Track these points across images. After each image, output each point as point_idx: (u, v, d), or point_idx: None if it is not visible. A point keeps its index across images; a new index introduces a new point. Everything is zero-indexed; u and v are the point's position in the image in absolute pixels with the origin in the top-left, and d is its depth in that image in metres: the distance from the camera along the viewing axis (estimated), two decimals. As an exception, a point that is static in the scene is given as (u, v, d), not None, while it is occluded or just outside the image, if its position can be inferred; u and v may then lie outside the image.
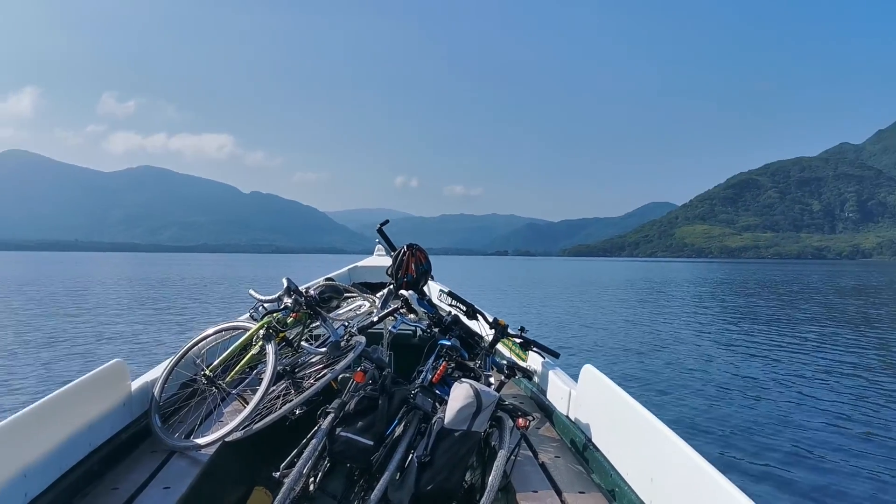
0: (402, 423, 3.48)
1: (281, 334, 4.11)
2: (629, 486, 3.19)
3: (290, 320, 4.31)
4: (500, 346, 5.35)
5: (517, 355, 5.32)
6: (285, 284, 4.36)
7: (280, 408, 3.71)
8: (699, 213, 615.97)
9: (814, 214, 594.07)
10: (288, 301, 4.32)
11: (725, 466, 7.71)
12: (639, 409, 3.29)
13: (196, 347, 4.31)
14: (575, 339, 20.82)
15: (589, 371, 4.00)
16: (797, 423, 10.62)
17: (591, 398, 3.95)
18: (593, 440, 3.82)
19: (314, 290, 4.75)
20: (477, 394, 3.37)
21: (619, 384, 3.46)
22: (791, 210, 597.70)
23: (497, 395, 3.51)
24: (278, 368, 3.88)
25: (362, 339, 4.07)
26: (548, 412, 4.63)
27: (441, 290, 5.41)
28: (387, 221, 6.28)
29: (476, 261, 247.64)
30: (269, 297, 4.47)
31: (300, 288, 4.56)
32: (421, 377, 3.82)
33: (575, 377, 4.25)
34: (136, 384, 3.91)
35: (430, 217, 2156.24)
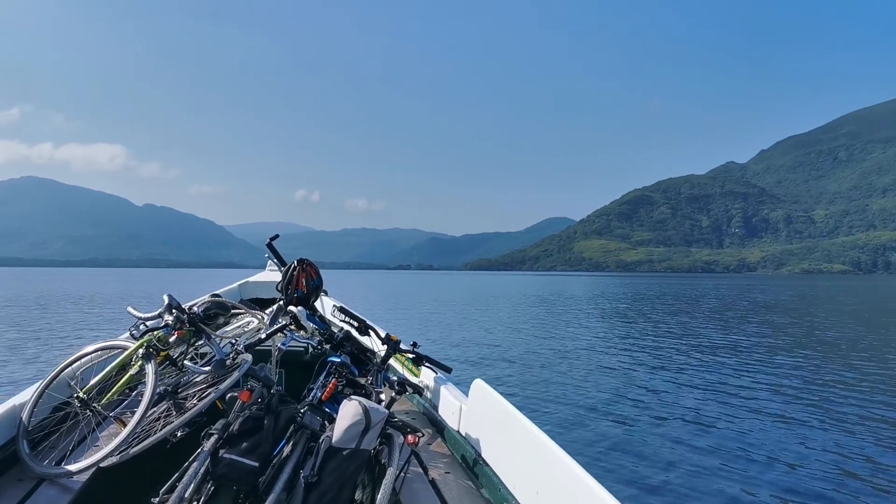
0: (290, 443, 3.41)
1: (163, 353, 3.92)
2: (516, 500, 3.22)
3: (173, 338, 4.09)
4: (392, 362, 5.34)
5: (410, 371, 5.31)
6: (166, 301, 4.20)
7: (160, 430, 3.50)
8: (596, 228, 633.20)
9: (703, 230, 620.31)
10: (169, 318, 4.12)
11: (609, 478, 8.17)
12: (526, 423, 3.31)
13: (70, 368, 4.04)
14: (469, 353, 20.80)
15: (479, 386, 4.01)
16: (679, 435, 10.86)
17: (480, 413, 3.97)
18: (483, 455, 3.83)
19: (198, 306, 4.57)
20: (366, 411, 3.34)
21: (509, 398, 3.51)
22: (682, 225, 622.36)
23: (386, 411, 3.48)
24: (159, 389, 3.68)
25: (248, 356, 3.93)
26: (439, 427, 4.62)
27: (334, 306, 5.34)
28: (276, 236, 6.21)
29: (378, 275, 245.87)
30: (149, 315, 4.29)
31: (184, 305, 4.43)
32: (311, 395, 3.77)
33: (466, 392, 4.26)
34: (0, 409, 3.68)
35: (332, 231, 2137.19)
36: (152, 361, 3.78)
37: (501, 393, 3.76)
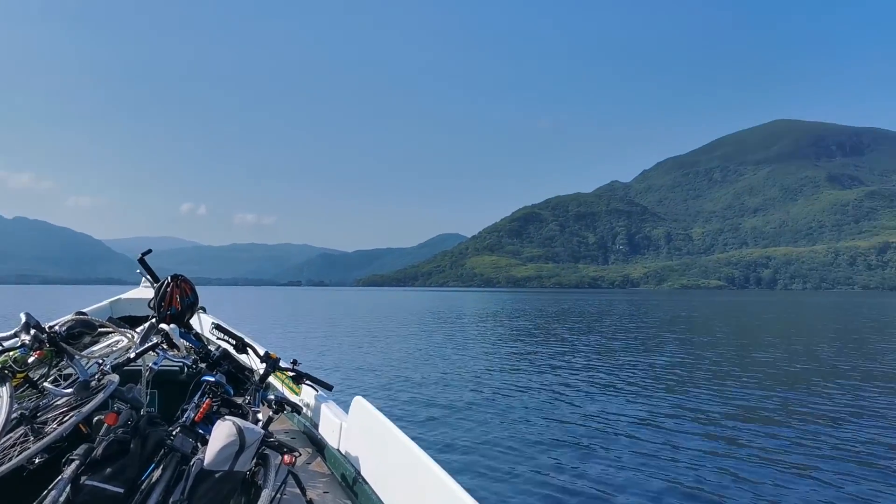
0: (160, 467, 3.23)
1: (20, 374, 3.66)
2: None
3: (32, 359, 3.81)
4: (273, 380, 5.30)
5: (290, 389, 5.25)
6: (23, 319, 3.88)
7: (15, 457, 3.21)
8: (488, 245, 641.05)
9: (589, 246, 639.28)
10: (26, 338, 3.81)
11: (487, 496, 8.29)
12: (405, 441, 3.32)
13: None
14: (353, 370, 20.63)
15: (359, 403, 4.01)
16: (558, 449, 10.91)
17: (360, 431, 3.95)
18: (362, 473, 3.81)
19: (61, 325, 4.36)
20: (240, 431, 3.23)
21: (391, 416, 3.53)
22: (570, 242, 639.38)
23: (262, 431, 3.39)
24: (14, 413, 3.38)
25: (115, 377, 3.66)
26: (319, 446, 4.54)
27: (213, 323, 5.19)
28: (149, 251, 6.01)
29: (267, 291, 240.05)
30: (4, 335, 3.98)
31: (46, 323, 4.17)
32: (184, 416, 3.57)
33: (347, 409, 4.22)
34: None
35: (220, 246, 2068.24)
36: (7, 384, 3.49)
37: (382, 410, 3.76)
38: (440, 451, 10.41)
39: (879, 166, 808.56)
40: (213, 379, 3.84)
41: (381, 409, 3.76)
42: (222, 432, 3.24)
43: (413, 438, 3.41)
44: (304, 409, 4.99)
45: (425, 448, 3.12)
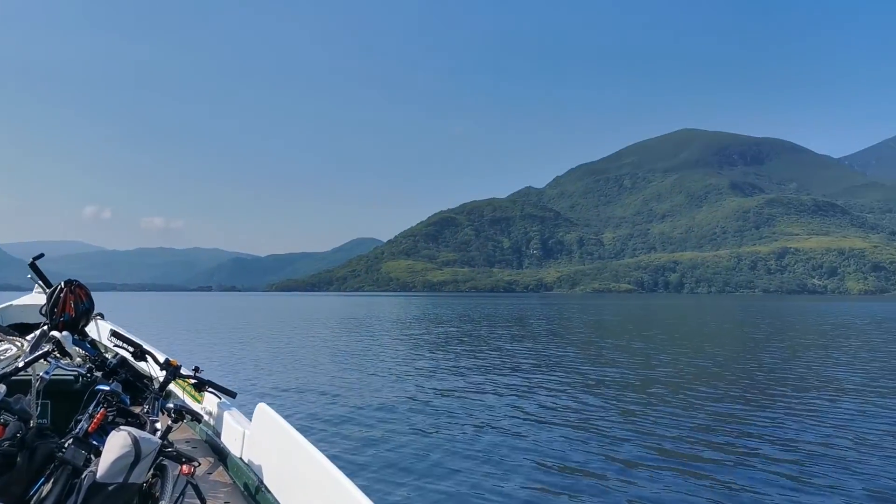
0: (50, 481, 3.07)
1: None
2: None
3: None
4: (174, 388, 5.17)
5: (192, 397, 5.10)
6: None
7: None
8: (404, 249, 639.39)
9: (504, 251, 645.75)
10: None
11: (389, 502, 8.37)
12: (309, 448, 3.26)
13: None
14: (259, 377, 20.25)
15: (263, 410, 3.93)
16: (464, 454, 10.90)
17: (264, 438, 3.87)
18: (265, 482, 3.75)
19: None
20: (135, 441, 3.10)
21: (296, 423, 3.69)
22: (485, 247, 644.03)
23: (159, 441, 3.26)
24: None
25: (2, 387, 3.41)
26: (222, 455, 4.46)
27: (111, 330, 4.99)
28: (41, 255, 5.76)
29: (175, 297, 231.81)
30: None
31: None
32: (77, 428, 3.39)
33: (251, 417, 4.16)
34: None
35: (126, 250, 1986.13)
36: None
37: (287, 418, 3.70)
38: (346, 458, 10.42)
39: (778, 175, 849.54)
40: (108, 388, 3.67)
41: (285, 417, 3.71)
42: (116, 443, 3.11)
43: (318, 446, 3.38)
44: (206, 418, 4.89)
45: (330, 456, 3.07)
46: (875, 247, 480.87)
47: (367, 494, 2.77)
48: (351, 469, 9.51)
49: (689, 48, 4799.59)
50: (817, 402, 16.24)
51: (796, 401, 16.38)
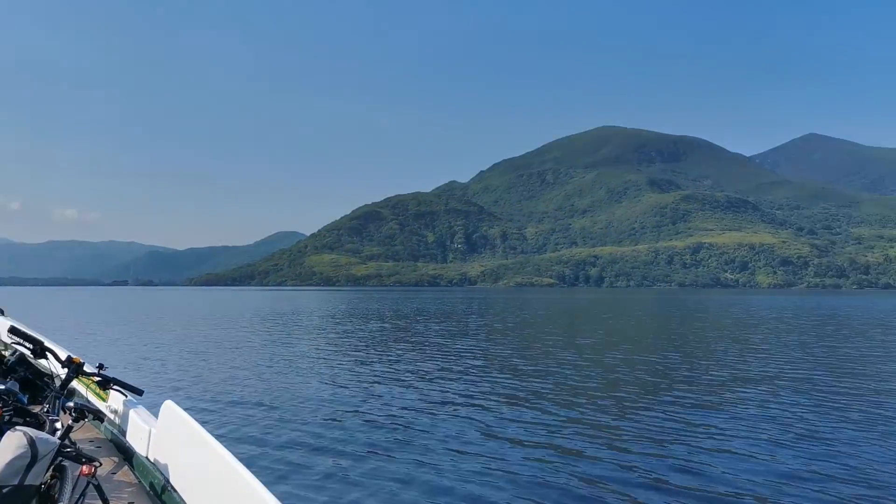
0: None
1: None
2: None
3: None
4: (77, 387, 5.04)
5: (96, 395, 4.98)
6: None
7: None
8: (327, 243, 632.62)
9: (429, 245, 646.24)
10: None
11: (294, 500, 8.33)
12: (216, 447, 3.21)
13: None
14: (169, 374, 19.95)
15: (169, 408, 3.82)
16: (384, 451, 10.96)
17: (171, 437, 3.77)
18: (172, 482, 3.67)
19: None
20: (32, 442, 2.99)
21: (204, 420, 4.02)
22: (410, 241, 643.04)
23: (57, 441, 3.13)
24: None
25: None
26: (127, 454, 4.36)
27: (10, 326, 4.79)
28: None
29: (87, 292, 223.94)
30: None
31: None
32: None
33: (158, 415, 4.07)
34: None
35: (36, 244, 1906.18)
36: None
37: (195, 415, 3.64)
38: (255, 458, 10.34)
39: (693, 172, 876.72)
40: (3, 386, 3.53)
41: (194, 415, 3.61)
42: (11, 444, 3.01)
43: (227, 445, 3.33)
44: (111, 416, 4.74)
45: (239, 455, 3.06)
46: (783, 242, 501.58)
47: (275, 494, 2.76)
48: (259, 468, 9.44)
49: (610, 46, 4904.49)
50: (726, 388, 17.73)
51: (708, 388, 17.83)
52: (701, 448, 11.36)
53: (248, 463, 3.19)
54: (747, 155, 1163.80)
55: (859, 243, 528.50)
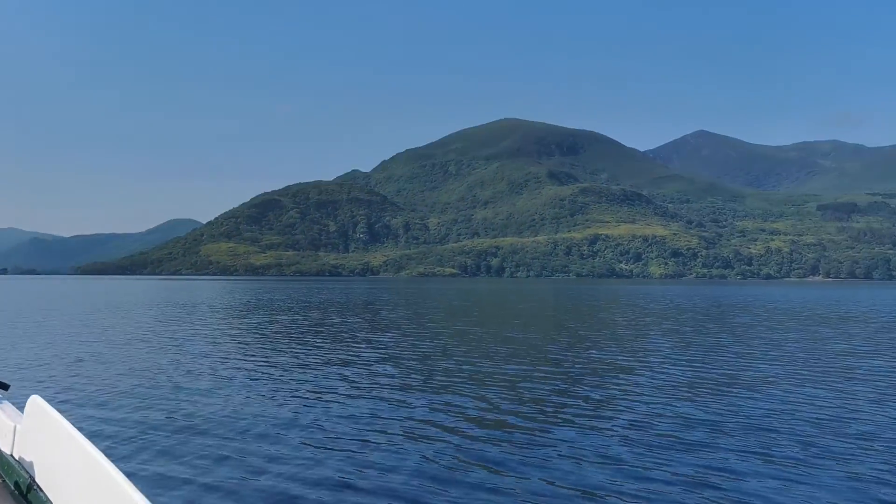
0: None
1: None
2: None
3: None
4: None
5: None
6: None
7: None
8: (224, 231, 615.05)
9: (330, 235, 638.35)
10: None
11: (168, 502, 8.18)
12: (85, 444, 3.10)
13: None
14: (39, 367, 19.27)
15: (36, 403, 3.67)
16: (261, 448, 10.78)
17: (37, 434, 3.60)
18: (38, 480, 3.52)
19: None
20: None
21: (73, 416, 3.51)
22: (311, 230, 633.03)
23: None
24: None
25: None
26: None
27: None
28: None
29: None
30: None
31: None
32: None
33: (24, 411, 3.88)
34: None
35: None
36: None
37: (64, 411, 3.49)
38: (126, 456, 10.10)
39: (591, 165, 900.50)
40: None
41: (63, 411, 3.44)
42: None
43: (97, 442, 3.23)
44: None
45: (109, 453, 3.02)
46: (674, 234, 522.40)
47: (145, 494, 2.66)
48: (130, 467, 9.24)
49: (511, 40, 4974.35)
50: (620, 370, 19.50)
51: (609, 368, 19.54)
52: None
53: (119, 461, 3.02)
54: (641, 150, 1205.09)
55: (743, 236, 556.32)
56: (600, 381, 17.66)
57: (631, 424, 12.57)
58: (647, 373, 18.84)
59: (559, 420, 12.87)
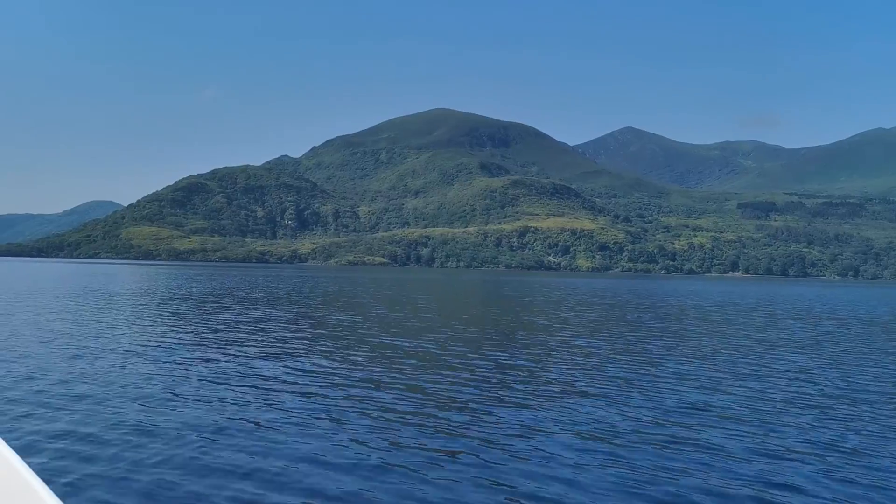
0: None
1: None
2: None
3: None
4: None
5: None
6: None
7: None
8: (147, 215, 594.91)
9: (258, 220, 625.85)
10: None
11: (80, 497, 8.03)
12: None
13: None
14: None
15: None
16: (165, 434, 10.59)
17: None
18: None
19: None
20: None
21: None
22: (238, 215, 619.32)
23: None
24: None
25: None
26: None
27: None
28: None
29: None
30: None
31: None
32: None
33: None
34: None
35: None
36: None
37: None
38: (34, 452, 9.75)
39: (521, 158, 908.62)
40: None
41: None
42: None
43: (9, 442, 3.13)
44: None
45: (16, 446, 2.82)
46: (602, 228, 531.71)
47: (59, 495, 2.58)
48: (36, 462, 8.80)
49: (443, 29, 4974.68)
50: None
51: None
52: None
53: (32, 460, 2.72)
54: (571, 144, 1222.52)
55: (668, 231, 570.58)
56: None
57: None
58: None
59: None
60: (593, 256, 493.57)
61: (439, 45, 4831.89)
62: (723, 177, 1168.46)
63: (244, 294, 48.19)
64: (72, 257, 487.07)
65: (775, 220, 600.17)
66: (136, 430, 10.47)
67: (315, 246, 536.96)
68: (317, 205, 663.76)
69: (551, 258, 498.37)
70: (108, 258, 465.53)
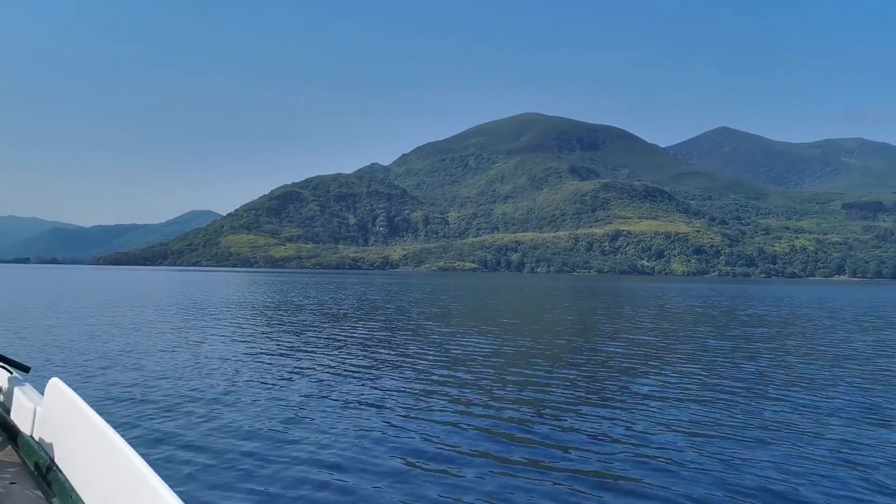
0: None
1: None
2: None
3: None
4: None
5: None
6: None
7: None
8: (244, 223, 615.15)
9: (350, 228, 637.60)
10: None
11: (182, 482, 8.27)
12: (102, 426, 3.16)
13: None
14: (59, 351, 19.69)
15: (55, 386, 3.73)
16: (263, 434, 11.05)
17: (57, 416, 3.67)
18: (57, 461, 3.57)
19: None
20: None
21: (92, 399, 3.87)
22: (330, 223, 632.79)
23: None
24: None
25: None
26: (12, 433, 4.20)
27: None
28: None
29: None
30: None
31: None
32: None
33: (44, 393, 3.94)
34: None
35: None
36: None
37: (83, 394, 3.52)
38: (143, 439, 10.30)
39: (612, 161, 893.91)
40: None
41: (81, 394, 3.51)
42: None
43: (115, 425, 3.29)
44: None
45: (126, 436, 3.15)
46: (697, 231, 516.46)
47: (162, 476, 2.70)
48: (147, 451, 9.36)
49: (532, 35, 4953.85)
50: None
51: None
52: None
53: (135, 444, 3.11)
54: (662, 146, 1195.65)
55: (767, 234, 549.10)
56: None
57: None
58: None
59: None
60: (689, 260, 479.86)
61: (527, 49, 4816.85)
62: (824, 176, 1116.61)
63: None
64: (175, 265, 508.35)
65: (884, 221, 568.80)
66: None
67: (406, 252, 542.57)
68: (407, 211, 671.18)
69: (644, 262, 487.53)
70: (209, 266, 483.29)
